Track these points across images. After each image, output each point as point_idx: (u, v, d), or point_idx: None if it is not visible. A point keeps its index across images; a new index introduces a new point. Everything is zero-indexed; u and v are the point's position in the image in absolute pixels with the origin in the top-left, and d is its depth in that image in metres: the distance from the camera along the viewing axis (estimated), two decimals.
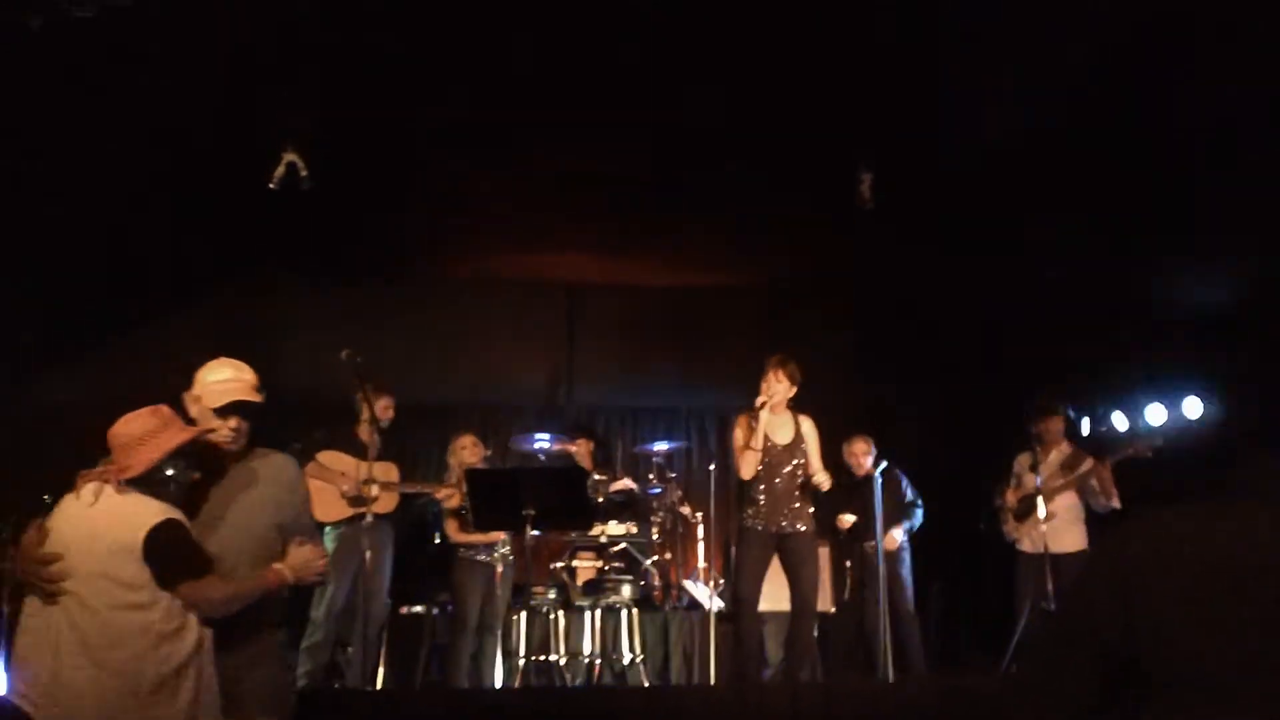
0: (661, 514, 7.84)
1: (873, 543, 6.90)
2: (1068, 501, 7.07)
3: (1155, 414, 7.79)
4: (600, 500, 7.48)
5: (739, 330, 8.09)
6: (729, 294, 8.60)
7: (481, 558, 6.88)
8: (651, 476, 8.16)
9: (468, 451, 6.93)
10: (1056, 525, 6.95)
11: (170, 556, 3.10)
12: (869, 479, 7.05)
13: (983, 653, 7.50)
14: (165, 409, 3.29)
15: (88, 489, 3.16)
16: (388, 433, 6.67)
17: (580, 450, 7.92)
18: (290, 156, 6.21)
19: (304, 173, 6.29)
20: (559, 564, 7.50)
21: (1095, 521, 7.09)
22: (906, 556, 7.50)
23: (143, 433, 3.19)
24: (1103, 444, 7.44)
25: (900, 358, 8.43)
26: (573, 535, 7.36)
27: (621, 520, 7.55)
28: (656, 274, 8.65)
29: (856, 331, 8.42)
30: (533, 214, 7.52)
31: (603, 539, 7.45)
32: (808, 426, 6.25)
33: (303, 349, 7.78)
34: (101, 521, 3.11)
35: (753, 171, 7.05)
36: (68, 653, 3.02)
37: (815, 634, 6.71)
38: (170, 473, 3.20)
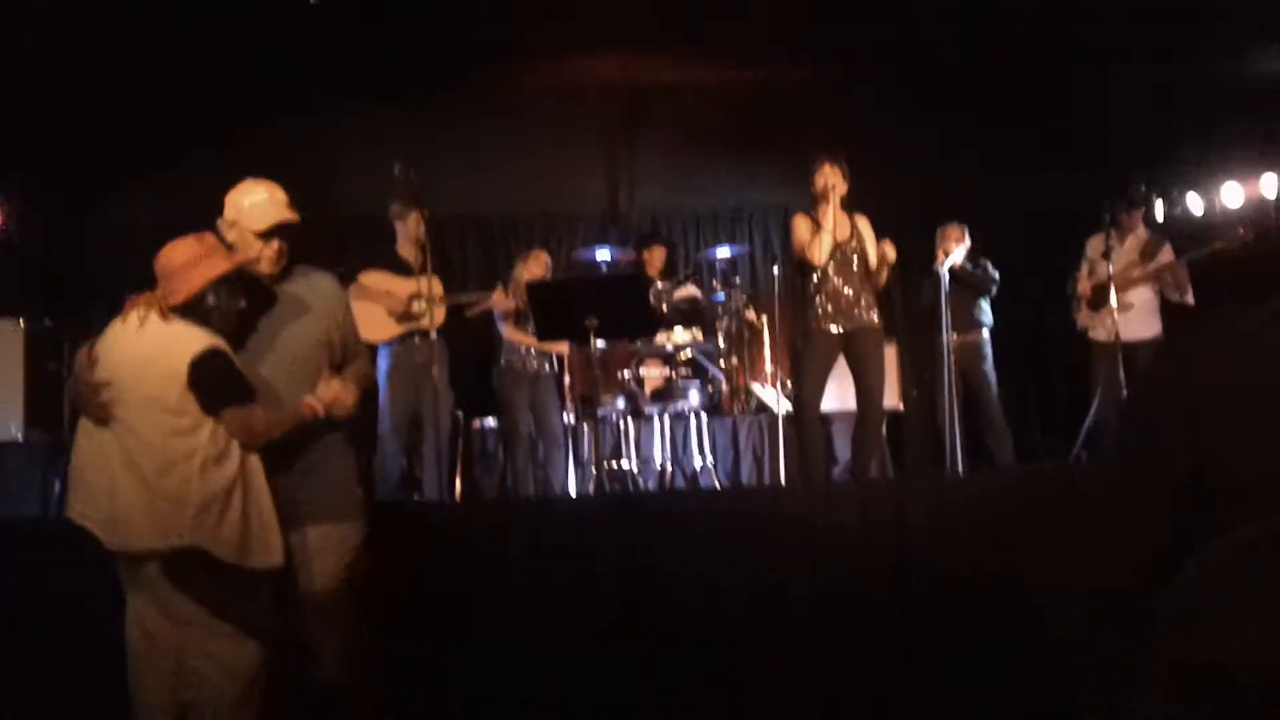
0: (727, 319, 7.79)
1: (953, 336, 6.79)
2: (1143, 292, 6.90)
3: (1231, 193, 7.51)
4: (665, 308, 7.44)
5: (801, 127, 7.81)
6: (790, 90, 8.29)
7: (523, 365, 6.96)
8: (715, 282, 8.07)
9: (537, 265, 6.95)
10: (1130, 315, 6.81)
11: (214, 384, 3.13)
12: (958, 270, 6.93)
13: (1054, 441, 7.49)
14: (210, 236, 3.28)
15: (134, 315, 3.18)
16: (437, 245, 6.60)
17: (653, 258, 7.81)
18: None
19: None
20: (626, 372, 7.53)
21: (1170, 309, 6.95)
22: (989, 351, 7.31)
23: (186, 260, 3.18)
24: (1184, 235, 7.20)
25: (969, 148, 8.13)
26: (638, 344, 7.36)
27: (687, 327, 7.52)
28: (716, 70, 8.37)
29: (930, 127, 8.11)
30: (587, 10, 7.23)
31: (669, 347, 7.44)
32: (864, 224, 6.14)
33: (357, 166, 7.74)
34: (148, 349, 3.14)
35: None
36: (120, 474, 3.11)
37: (884, 432, 6.69)
38: (213, 301, 3.19)
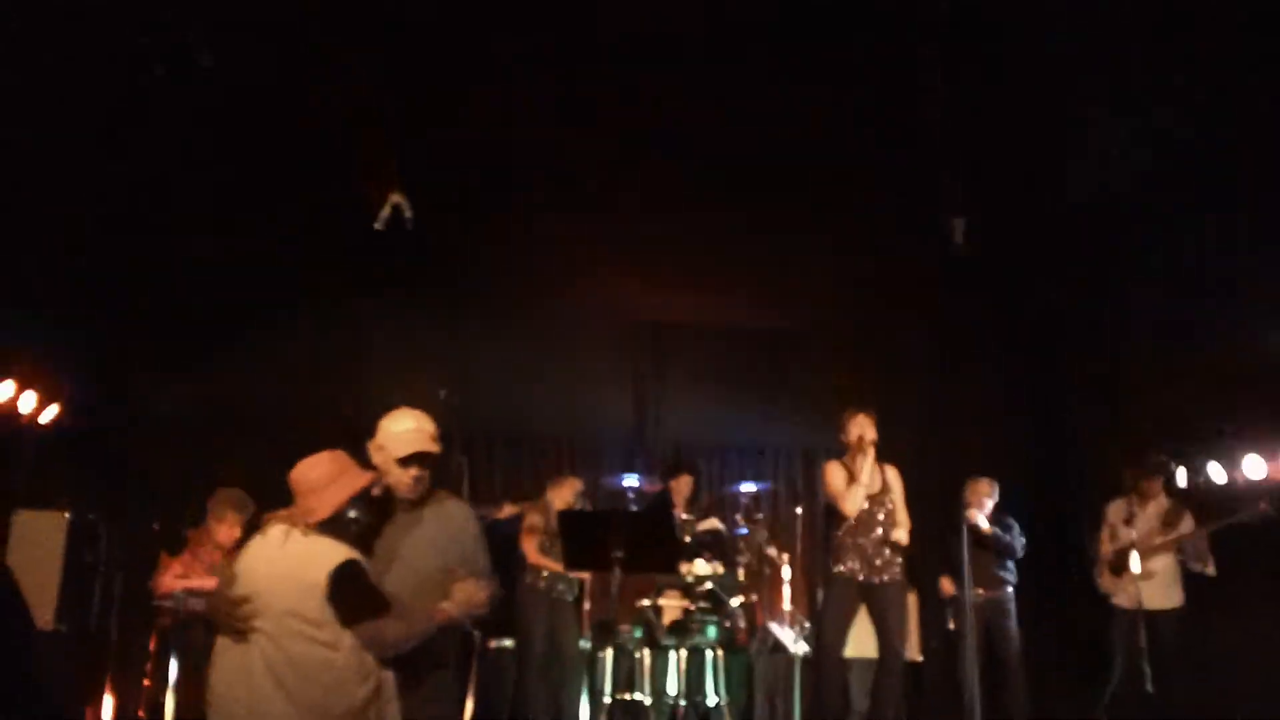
0: (748, 555, 7.82)
1: (978, 592, 6.82)
2: (1165, 560, 6.92)
3: (1253, 465, 7.60)
4: (687, 539, 7.49)
5: (825, 372, 8.05)
6: (815, 336, 8.56)
7: (547, 587, 6.96)
8: (738, 517, 8.15)
9: (570, 491, 7.06)
10: (1152, 584, 6.81)
11: (351, 595, 3.24)
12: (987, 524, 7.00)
13: (1072, 704, 7.37)
14: (342, 453, 3.46)
15: (276, 530, 3.33)
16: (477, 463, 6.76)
17: (680, 487, 7.92)
18: (396, 198, 6.36)
19: (408, 214, 6.43)
20: (645, 602, 7.52)
21: (1191, 578, 6.95)
22: (1012, 608, 7.29)
23: (327, 477, 3.34)
24: (1206, 505, 7.28)
25: (984, 403, 8.31)
26: (659, 574, 7.37)
27: (708, 560, 7.55)
28: (744, 314, 8.66)
29: (946, 377, 8.32)
30: (622, 252, 7.59)
31: (689, 578, 7.46)
32: (893, 475, 6.28)
33: (392, 380, 7.91)
34: (290, 562, 3.27)
35: (844, 214, 7.07)
36: (262, 686, 3.18)
37: (902, 684, 6.63)
38: (353, 515, 3.36)
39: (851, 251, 7.45)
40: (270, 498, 3.67)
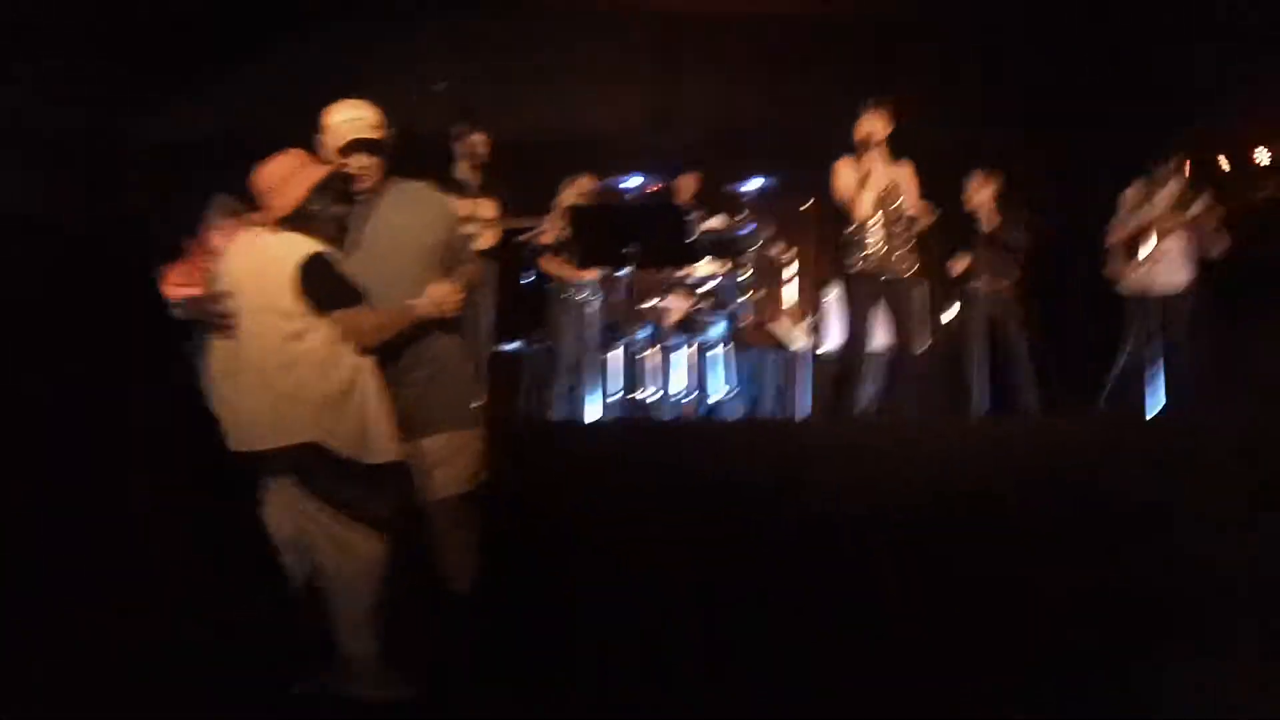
0: (754, 253, 7.74)
1: (986, 284, 6.77)
2: (1177, 242, 6.86)
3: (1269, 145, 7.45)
4: (694, 238, 7.38)
5: (841, 65, 7.68)
6: (832, 26, 8.13)
7: (576, 295, 6.94)
8: (745, 214, 7.99)
9: (580, 192, 6.88)
10: (1162, 264, 6.79)
11: (320, 285, 3.34)
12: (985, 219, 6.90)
13: (1079, 395, 7.48)
14: (299, 150, 3.50)
15: (248, 231, 3.46)
16: (487, 169, 6.57)
17: (685, 185, 7.73)
18: None
19: None
20: (651, 302, 7.50)
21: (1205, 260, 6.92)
22: (1019, 299, 7.20)
23: (286, 172, 3.42)
24: (1222, 180, 7.15)
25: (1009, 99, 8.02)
26: (665, 274, 7.31)
27: (715, 258, 7.48)
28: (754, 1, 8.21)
29: (970, 72, 7.97)
30: None
31: (696, 277, 7.41)
32: (906, 172, 6.18)
33: (398, 87, 7.57)
34: (260, 258, 3.40)
35: None
36: (244, 380, 3.36)
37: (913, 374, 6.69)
38: (314, 208, 3.42)
39: None
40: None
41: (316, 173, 3.43)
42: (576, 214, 5.99)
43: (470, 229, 6.09)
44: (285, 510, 3.43)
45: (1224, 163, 7.71)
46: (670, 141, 8.68)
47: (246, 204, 6.21)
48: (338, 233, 3.47)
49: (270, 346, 3.34)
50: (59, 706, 3.36)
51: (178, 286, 6.25)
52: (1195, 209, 6.82)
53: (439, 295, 3.50)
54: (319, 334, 3.34)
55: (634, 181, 7.99)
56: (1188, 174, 7.03)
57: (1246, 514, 4.28)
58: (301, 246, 3.36)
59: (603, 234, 5.64)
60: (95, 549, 4.17)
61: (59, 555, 4.08)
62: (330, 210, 3.44)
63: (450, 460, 3.57)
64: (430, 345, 3.55)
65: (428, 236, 3.59)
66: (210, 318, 3.41)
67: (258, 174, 3.46)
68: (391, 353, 3.46)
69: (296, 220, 3.41)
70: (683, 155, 8.51)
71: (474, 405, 3.78)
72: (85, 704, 3.35)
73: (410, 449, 3.48)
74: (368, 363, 3.39)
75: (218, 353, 3.44)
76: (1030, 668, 3.53)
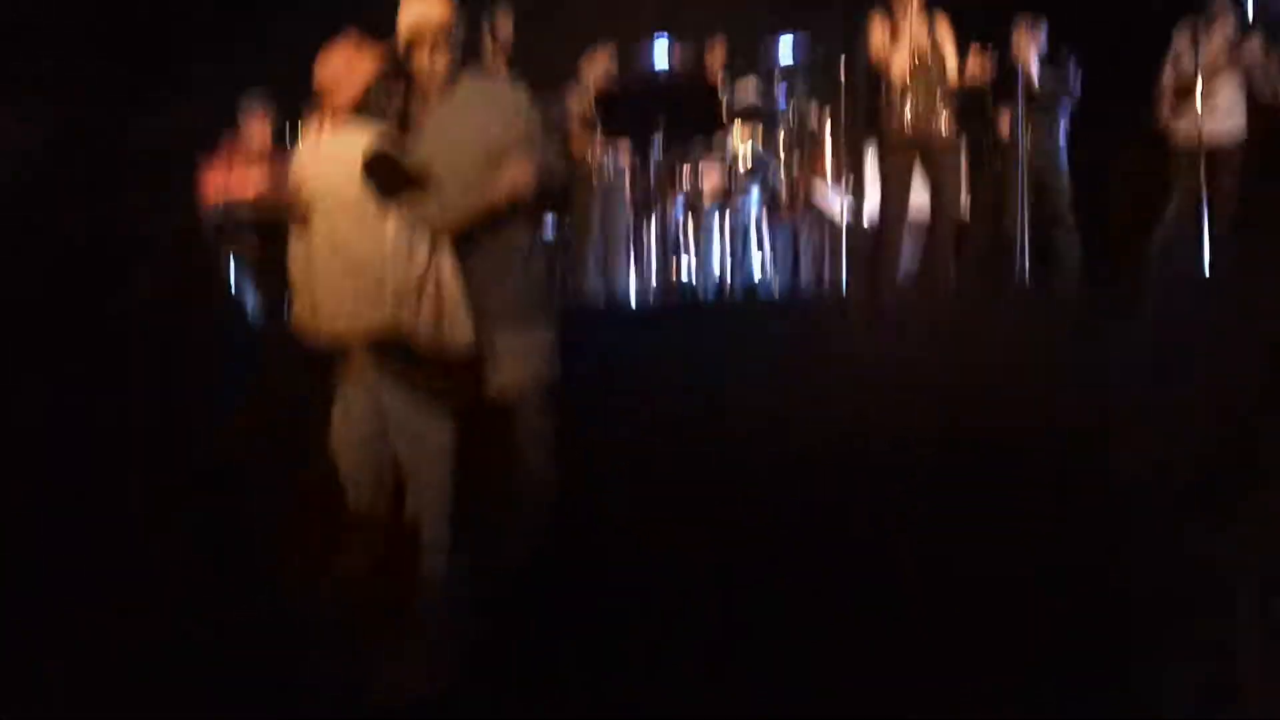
0: (789, 119, 7.54)
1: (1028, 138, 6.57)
2: (1229, 87, 6.55)
3: None
4: (725, 106, 7.19)
5: None
6: None
7: (606, 175, 6.84)
8: (776, 80, 7.75)
9: (600, 66, 6.70)
10: (1214, 110, 6.49)
11: (385, 176, 3.35)
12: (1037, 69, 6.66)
13: (1124, 254, 7.29)
14: (355, 38, 3.47)
15: (312, 127, 3.55)
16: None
17: (715, 54, 7.48)
18: None
19: None
20: (685, 174, 7.35)
21: (1257, 108, 6.62)
22: (1064, 156, 6.94)
23: (342, 65, 3.43)
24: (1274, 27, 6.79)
25: None
26: (699, 147, 7.15)
27: (747, 128, 7.30)
28: None
29: None
30: None
31: (728, 148, 7.24)
32: (943, 27, 5.95)
33: None
34: (327, 149, 3.46)
35: None
36: (322, 270, 3.43)
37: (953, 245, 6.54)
38: (376, 98, 3.42)
39: None
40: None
41: (371, 65, 3.43)
42: (600, 92, 5.81)
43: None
44: (358, 403, 3.47)
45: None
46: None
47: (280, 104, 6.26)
48: (408, 125, 3.46)
49: (346, 237, 3.39)
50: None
51: (218, 191, 6.30)
52: (1249, 49, 6.49)
53: (510, 177, 3.43)
54: (391, 224, 3.38)
55: (660, 44, 7.69)
56: (1248, 10, 6.70)
57: None
58: (367, 138, 3.37)
59: (630, 110, 5.49)
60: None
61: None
62: (397, 104, 3.45)
63: (524, 356, 3.53)
64: (508, 237, 3.51)
65: (501, 131, 3.50)
66: (290, 212, 3.49)
67: (318, 68, 3.46)
68: (468, 246, 3.44)
69: (361, 112, 3.41)
70: (708, 12, 8.21)
71: (547, 301, 3.73)
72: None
73: (484, 342, 3.48)
74: (445, 252, 3.41)
75: (297, 247, 3.52)
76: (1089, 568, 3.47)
